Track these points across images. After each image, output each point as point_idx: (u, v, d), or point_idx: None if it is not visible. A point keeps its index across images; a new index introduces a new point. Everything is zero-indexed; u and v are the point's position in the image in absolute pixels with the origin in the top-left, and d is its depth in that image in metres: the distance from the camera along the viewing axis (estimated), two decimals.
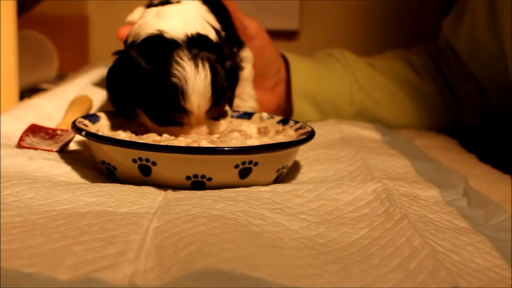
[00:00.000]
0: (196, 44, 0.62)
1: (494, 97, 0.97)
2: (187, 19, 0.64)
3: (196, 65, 0.60)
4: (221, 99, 0.63)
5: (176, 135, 0.62)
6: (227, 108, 0.66)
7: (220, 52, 0.63)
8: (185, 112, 0.61)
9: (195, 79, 0.60)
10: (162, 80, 0.60)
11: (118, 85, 0.64)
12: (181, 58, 0.60)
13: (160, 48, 0.62)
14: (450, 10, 1.03)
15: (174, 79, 0.60)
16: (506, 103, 0.97)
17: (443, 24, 1.03)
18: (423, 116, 0.98)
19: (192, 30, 0.63)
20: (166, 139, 0.61)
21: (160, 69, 0.60)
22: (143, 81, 0.61)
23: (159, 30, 0.63)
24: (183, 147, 0.56)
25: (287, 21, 1.52)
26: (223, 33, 0.68)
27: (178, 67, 0.60)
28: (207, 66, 0.61)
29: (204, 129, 0.63)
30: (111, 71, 0.65)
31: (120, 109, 0.65)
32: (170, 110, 0.61)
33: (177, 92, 0.60)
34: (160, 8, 0.66)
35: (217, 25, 0.68)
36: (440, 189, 0.59)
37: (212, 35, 0.65)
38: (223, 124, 0.66)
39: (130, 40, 0.66)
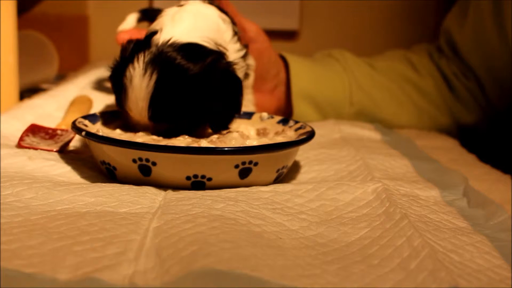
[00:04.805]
0: (171, 49, 0.60)
1: (494, 95, 0.97)
2: (201, 20, 0.64)
3: (145, 71, 0.59)
4: (168, 114, 0.60)
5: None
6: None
7: (207, 63, 0.60)
8: (127, 113, 0.62)
9: (137, 84, 0.60)
10: (118, 75, 0.62)
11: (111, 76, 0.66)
12: (137, 61, 0.60)
13: (138, 46, 0.62)
14: (450, 9, 1.03)
15: (124, 78, 0.61)
16: (506, 102, 0.97)
17: (444, 20, 1.03)
18: (423, 116, 0.98)
19: (197, 33, 0.62)
20: (165, 139, 0.61)
21: (122, 65, 0.62)
22: (114, 74, 0.63)
23: (157, 30, 0.63)
24: (183, 147, 0.56)
25: (287, 21, 1.52)
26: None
27: (131, 69, 0.60)
28: (154, 76, 0.59)
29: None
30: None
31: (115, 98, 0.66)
32: (119, 104, 0.63)
33: (122, 92, 0.61)
34: (177, 8, 0.66)
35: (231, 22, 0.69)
36: (440, 189, 0.59)
37: (229, 33, 0.66)
38: None
39: None
